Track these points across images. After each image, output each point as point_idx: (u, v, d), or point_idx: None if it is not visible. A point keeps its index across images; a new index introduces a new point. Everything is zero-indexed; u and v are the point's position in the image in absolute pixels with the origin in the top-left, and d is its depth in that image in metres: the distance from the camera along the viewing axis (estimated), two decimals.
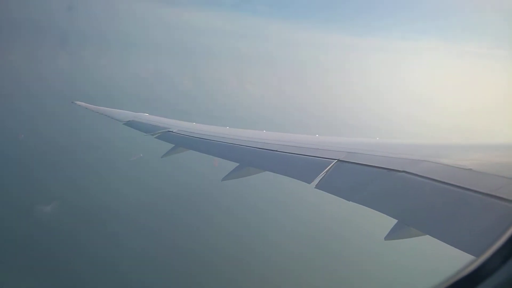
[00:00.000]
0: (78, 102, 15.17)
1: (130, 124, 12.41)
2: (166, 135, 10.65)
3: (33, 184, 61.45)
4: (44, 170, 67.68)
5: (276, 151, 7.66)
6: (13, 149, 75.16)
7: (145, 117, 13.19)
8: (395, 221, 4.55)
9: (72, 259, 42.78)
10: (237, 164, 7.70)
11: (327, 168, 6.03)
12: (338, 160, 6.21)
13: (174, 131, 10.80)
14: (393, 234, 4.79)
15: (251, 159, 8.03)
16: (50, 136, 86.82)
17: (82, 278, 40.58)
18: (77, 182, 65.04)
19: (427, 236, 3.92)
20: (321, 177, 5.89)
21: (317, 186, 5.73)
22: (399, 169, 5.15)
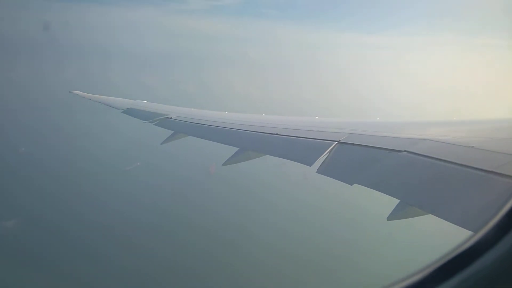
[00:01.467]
0: (75, 91, 15.06)
1: (128, 111, 12.35)
2: (165, 122, 10.60)
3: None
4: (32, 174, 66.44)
5: (276, 134, 7.63)
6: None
7: (143, 104, 13.12)
8: (397, 201, 4.53)
9: None
10: (237, 148, 7.67)
11: (328, 150, 6.00)
12: (339, 142, 6.17)
13: (172, 117, 10.75)
14: (396, 214, 4.78)
15: (251, 143, 8.00)
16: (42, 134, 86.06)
17: None
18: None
19: (430, 215, 3.91)
20: (322, 159, 5.86)
21: (318, 171, 5.70)
22: (400, 149, 5.12)
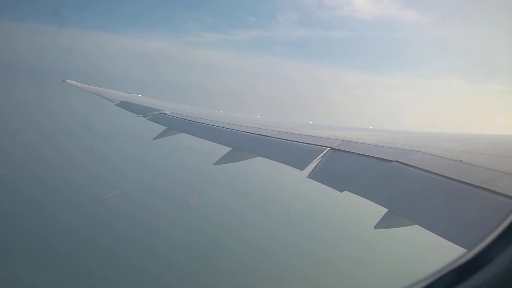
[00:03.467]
0: (69, 81, 14.93)
1: (123, 105, 12.26)
2: (158, 117, 10.55)
3: None
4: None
5: (270, 136, 7.63)
6: None
7: (138, 98, 13.06)
8: (385, 210, 4.56)
9: None
10: (230, 148, 7.65)
11: (320, 156, 6.02)
12: (331, 148, 6.20)
13: (167, 113, 10.71)
14: (383, 223, 4.80)
15: (244, 144, 7.99)
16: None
17: None
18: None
19: (416, 226, 3.94)
20: (313, 164, 5.87)
21: (310, 176, 5.71)
22: (391, 159, 5.16)
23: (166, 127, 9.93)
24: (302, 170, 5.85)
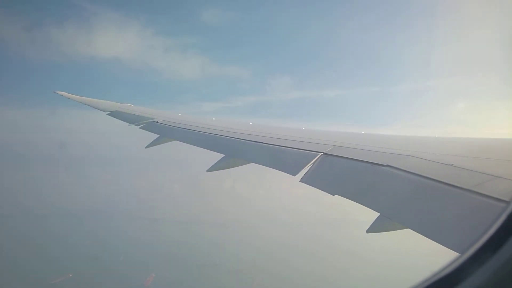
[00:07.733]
0: (60, 92, 14.83)
1: (114, 114, 12.22)
2: (150, 125, 10.55)
3: None
4: None
5: (262, 142, 7.67)
6: None
7: (129, 107, 13.04)
8: (377, 214, 4.60)
9: None
10: (222, 155, 7.67)
11: (312, 161, 6.06)
12: (324, 153, 6.25)
13: (159, 121, 10.71)
14: (375, 227, 4.84)
15: (236, 151, 8.01)
16: None
17: None
18: None
19: (408, 229, 3.98)
20: (306, 170, 5.91)
21: (302, 180, 5.75)
22: (383, 163, 5.21)
23: (159, 135, 9.92)
24: (294, 175, 5.88)
